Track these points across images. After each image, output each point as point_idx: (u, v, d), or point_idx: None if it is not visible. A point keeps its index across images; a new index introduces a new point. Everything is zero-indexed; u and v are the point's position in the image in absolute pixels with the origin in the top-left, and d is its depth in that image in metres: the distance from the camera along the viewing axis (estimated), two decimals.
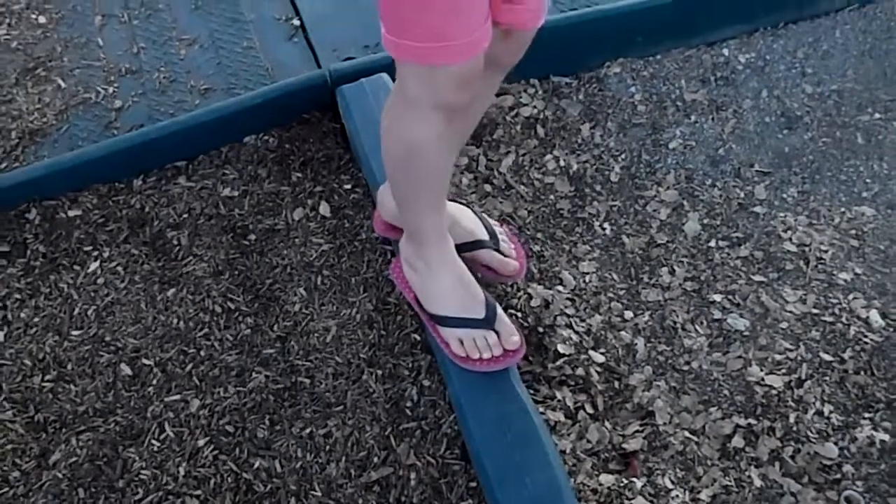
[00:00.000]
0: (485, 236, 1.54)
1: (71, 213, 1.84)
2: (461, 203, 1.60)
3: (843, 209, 1.82)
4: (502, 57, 1.27)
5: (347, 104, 1.84)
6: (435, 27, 1.04)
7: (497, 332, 1.43)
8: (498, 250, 1.54)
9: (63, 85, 2.10)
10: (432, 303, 1.45)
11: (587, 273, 1.72)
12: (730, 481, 1.44)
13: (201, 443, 1.51)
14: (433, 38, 1.05)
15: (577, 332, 1.60)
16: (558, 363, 1.55)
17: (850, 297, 1.66)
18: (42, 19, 2.28)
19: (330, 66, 1.94)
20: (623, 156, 1.92)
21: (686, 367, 1.58)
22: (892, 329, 1.61)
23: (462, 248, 1.46)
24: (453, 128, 1.22)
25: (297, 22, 2.18)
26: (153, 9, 2.27)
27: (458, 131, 1.35)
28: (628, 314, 1.66)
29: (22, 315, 1.70)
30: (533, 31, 1.25)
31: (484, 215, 1.59)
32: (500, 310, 1.45)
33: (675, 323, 1.65)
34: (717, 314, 1.66)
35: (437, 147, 1.23)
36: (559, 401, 1.50)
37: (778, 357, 1.58)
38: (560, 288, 1.67)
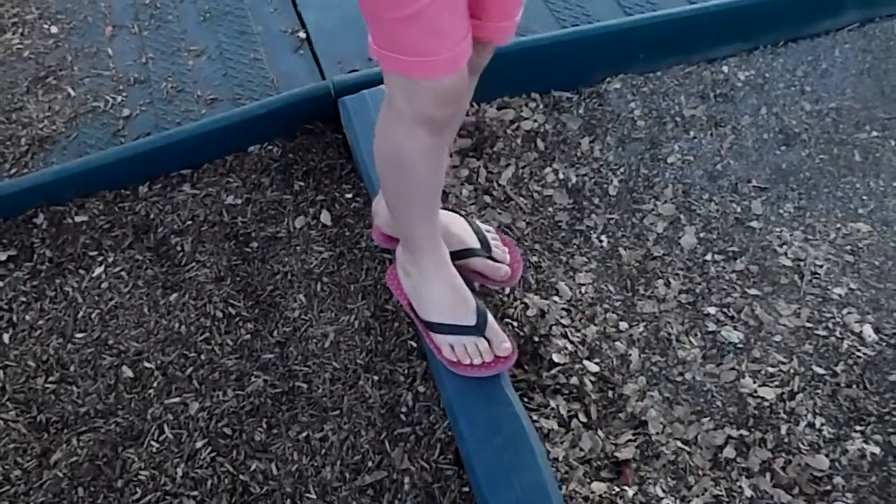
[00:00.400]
0: (476, 244, 1.55)
1: (77, 219, 1.87)
2: (457, 213, 1.62)
3: (838, 225, 1.84)
4: (473, 60, 1.29)
5: (349, 115, 1.87)
6: (416, 42, 1.08)
7: (488, 340, 1.45)
8: (490, 257, 1.56)
9: (73, 93, 2.14)
10: (425, 309, 1.47)
11: (583, 284, 1.74)
12: (721, 491, 1.45)
13: (199, 445, 1.53)
14: (415, 52, 1.09)
15: (572, 342, 1.62)
16: (553, 372, 1.56)
17: (844, 311, 1.68)
18: (54, 29, 2.33)
19: (333, 78, 1.97)
20: (622, 170, 1.95)
21: (679, 378, 1.60)
22: (884, 344, 1.62)
23: (453, 257, 1.48)
24: (439, 139, 1.24)
25: (303, 34, 2.21)
26: (162, 20, 2.31)
27: (444, 141, 1.37)
28: (623, 325, 1.68)
29: (27, 317, 1.73)
30: None
31: (476, 222, 1.61)
32: (491, 318, 1.47)
33: (669, 334, 1.66)
34: (712, 326, 1.67)
35: (425, 158, 1.26)
36: (553, 409, 1.52)
37: (771, 369, 1.60)
38: (556, 298, 1.69)
